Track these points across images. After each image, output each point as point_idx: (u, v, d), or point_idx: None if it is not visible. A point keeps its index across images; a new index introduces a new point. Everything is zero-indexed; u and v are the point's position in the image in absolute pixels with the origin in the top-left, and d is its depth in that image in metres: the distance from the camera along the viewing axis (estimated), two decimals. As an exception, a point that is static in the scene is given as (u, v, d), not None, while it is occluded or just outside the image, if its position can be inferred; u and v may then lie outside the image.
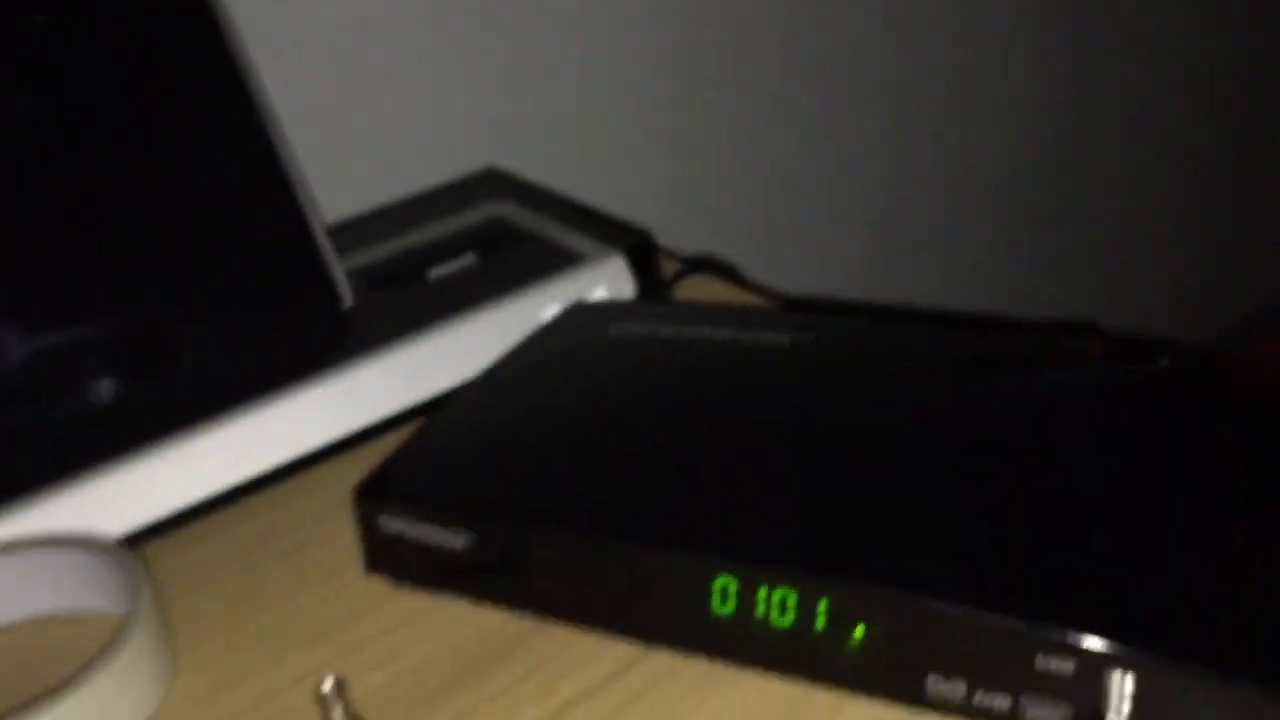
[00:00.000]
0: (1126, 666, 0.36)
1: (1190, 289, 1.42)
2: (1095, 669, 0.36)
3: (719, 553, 0.41)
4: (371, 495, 0.47)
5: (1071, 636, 0.36)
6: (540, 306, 0.62)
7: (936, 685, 0.39)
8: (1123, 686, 0.36)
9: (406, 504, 0.46)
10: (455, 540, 0.45)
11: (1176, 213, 1.35)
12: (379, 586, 0.49)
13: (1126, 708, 0.36)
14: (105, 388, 0.57)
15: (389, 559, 0.48)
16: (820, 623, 0.40)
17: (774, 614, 0.41)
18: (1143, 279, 1.35)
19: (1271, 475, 0.42)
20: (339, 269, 0.62)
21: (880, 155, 1.03)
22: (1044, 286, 1.23)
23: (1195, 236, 1.40)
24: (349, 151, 0.77)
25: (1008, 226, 1.17)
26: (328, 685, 0.41)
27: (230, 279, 0.61)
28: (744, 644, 0.42)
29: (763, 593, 0.41)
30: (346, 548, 0.50)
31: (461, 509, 0.45)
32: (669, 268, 0.67)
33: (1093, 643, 0.36)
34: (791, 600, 0.40)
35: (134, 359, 0.59)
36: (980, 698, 0.38)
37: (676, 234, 0.89)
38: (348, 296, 0.62)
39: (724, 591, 0.41)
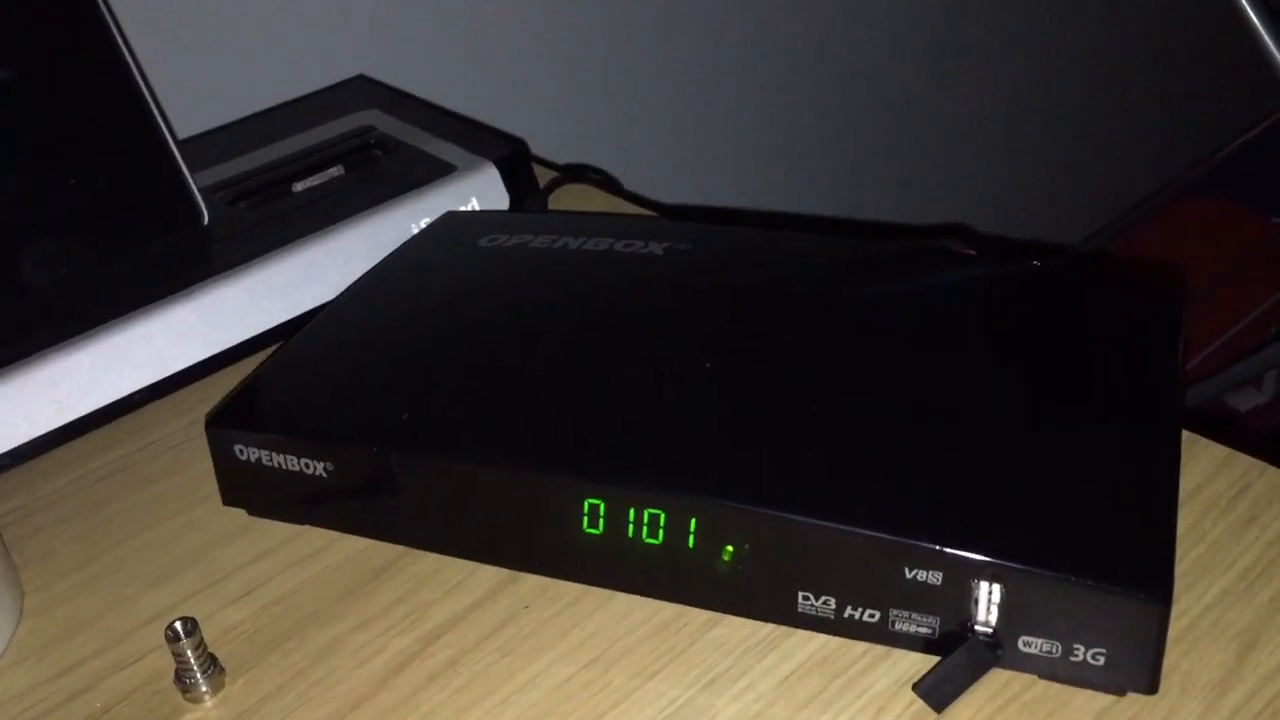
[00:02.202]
0: (994, 577, 0.36)
1: (1061, 195, 1.43)
2: (963, 580, 0.36)
3: (587, 474, 0.40)
4: (224, 423, 0.45)
5: (940, 549, 0.36)
6: (410, 219, 0.59)
7: (807, 602, 0.38)
8: (990, 596, 0.36)
9: (262, 432, 0.44)
10: (315, 469, 0.43)
11: (1046, 121, 1.36)
12: (238, 518, 0.47)
13: (994, 617, 0.36)
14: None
15: (246, 490, 0.46)
16: (690, 542, 0.39)
17: (644, 534, 0.40)
18: (1014, 186, 1.36)
19: (1135, 381, 0.42)
20: (195, 182, 0.59)
21: (754, 63, 1.01)
22: (918, 193, 1.23)
23: (1064, 144, 1.41)
24: (211, 61, 0.73)
25: (883, 133, 1.16)
26: (177, 625, 0.39)
27: (73, 193, 0.57)
28: (615, 566, 0.41)
29: (632, 513, 0.40)
30: (204, 478, 0.48)
31: (320, 436, 0.43)
32: (545, 178, 0.65)
33: (961, 554, 0.36)
34: (661, 520, 0.39)
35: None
36: (850, 612, 0.38)
37: (555, 146, 0.86)
38: (205, 212, 0.59)
39: (593, 512, 0.40)
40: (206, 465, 0.48)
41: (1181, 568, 0.40)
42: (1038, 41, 1.29)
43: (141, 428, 0.53)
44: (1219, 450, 0.45)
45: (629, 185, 0.69)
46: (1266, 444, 0.45)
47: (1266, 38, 0.92)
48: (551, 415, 0.42)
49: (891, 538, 0.36)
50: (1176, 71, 1.49)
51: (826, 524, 0.37)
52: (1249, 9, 0.92)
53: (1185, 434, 0.45)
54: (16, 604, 0.44)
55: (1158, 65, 1.46)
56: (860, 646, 0.39)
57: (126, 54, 0.57)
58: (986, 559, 0.35)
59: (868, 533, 0.36)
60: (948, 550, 0.36)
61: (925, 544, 0.36)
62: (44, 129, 0.56)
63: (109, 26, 0.57)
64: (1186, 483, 0.43)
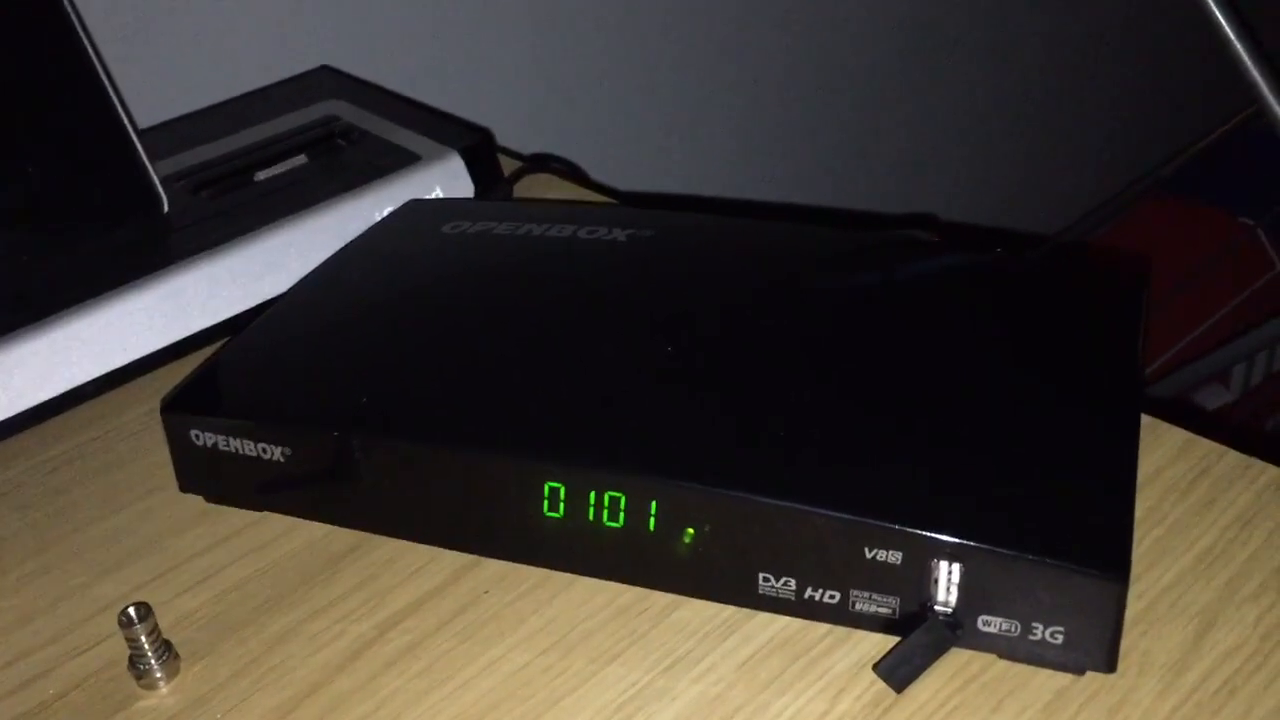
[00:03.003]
0: (953, 556, 0.35)
1: (1029, 193, 1.44)
2: (922, 560, 0.36)
3: (547, 456, 0.40)
4: (180, 408, 0.44)
5: (899, 528, 0.36)
6: (374, 208, 0.59)
7: (767, 584, 0.38)
8: (949, 576, 0.36)
9: (218, 416, 0.43)
10: (272, 454, 0.43)
11: (1014, 118, 1.36)
12: (195, 505, 0.46)
13: (954, 597, 0.36)
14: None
15: (203, 477, 0.45)
16: (651, 524, 0.39)
17: (605, 517, 0.39)
18: (982, 182, 1.36)
19: (1095, 365, 0.42)
20: (155, 171, 0.58)
21: (724, 53, 1.01)
22: (886, 184, 1.23)
23: (1033, 142, 1.41)
24: (174, 51, 0.72)
25: (852, 124, 1.17)
26: (130, 611, 0.38)
27: (31, 181, 0.56)
28: (576, 549, 0.41)
29: (592, 496, 0.39)
30: (162, 466, 0.47)
31: (277, 420, 0.43)
32: (510, 169, 0.65)
33: (921, 533, 0.36)
34: (622, 503, 0.39)
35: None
36: (811, 594, 0.38)
37: (521, 137, 0.86)
38: (165, 200, 0.58)
39: (554, 496, 0.40)
40: (164, 454, 0.47)
41: (1141, 549, 0.40)
42: (1009, 38, 1.29)
43: (99, 416, 0.52)
44: (1179, 434, 0.45)
45: (595, 175, 0.69)
46: (1233, 436, 0.45)
47: (1234, 39, 0.93)
48: (512, 399, 0.42)
49: (851, 517, 0.36)
50: (1146, 71, 1.50)
51: (786, 504, 0.37)
52: (1216, 12, 0.92)
53: (1147, 419, 0.45)
54: (-32, 592, 0.43)
55: (1127, 65, 1.47)
56: (821, 628, 0.39)
57: (86, 42, 0.56)
58: (946, 538, 0.35)
59: (827, 513, 0.36)
60: (907, 530, 0.36)
61: (885, 524, 0.36)
62: (1, 117, 0.56)
63: (68, 15, 0.56)
64: (1147, 466, 0.44)
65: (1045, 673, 0.37)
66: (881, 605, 0.37)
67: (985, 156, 1.35)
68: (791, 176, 1.13)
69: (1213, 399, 1.31)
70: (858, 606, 0.37)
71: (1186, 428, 0.45)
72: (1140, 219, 1.42)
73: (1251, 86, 0.94)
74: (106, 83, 0.57)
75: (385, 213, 0.58)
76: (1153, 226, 1.39)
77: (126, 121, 0.57)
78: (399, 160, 0.61)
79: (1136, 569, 0.39)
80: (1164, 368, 1.27)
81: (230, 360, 0.47)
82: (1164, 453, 0.44)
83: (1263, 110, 0.95)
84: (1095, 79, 1.44)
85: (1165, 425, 0.45)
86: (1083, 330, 0.44)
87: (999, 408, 0.40)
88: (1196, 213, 1.41)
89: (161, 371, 0.54)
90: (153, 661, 0.39)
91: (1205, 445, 0.45)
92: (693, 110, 1.01)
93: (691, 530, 0.38)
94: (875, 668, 0.37)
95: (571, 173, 0.66)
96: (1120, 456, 0.38)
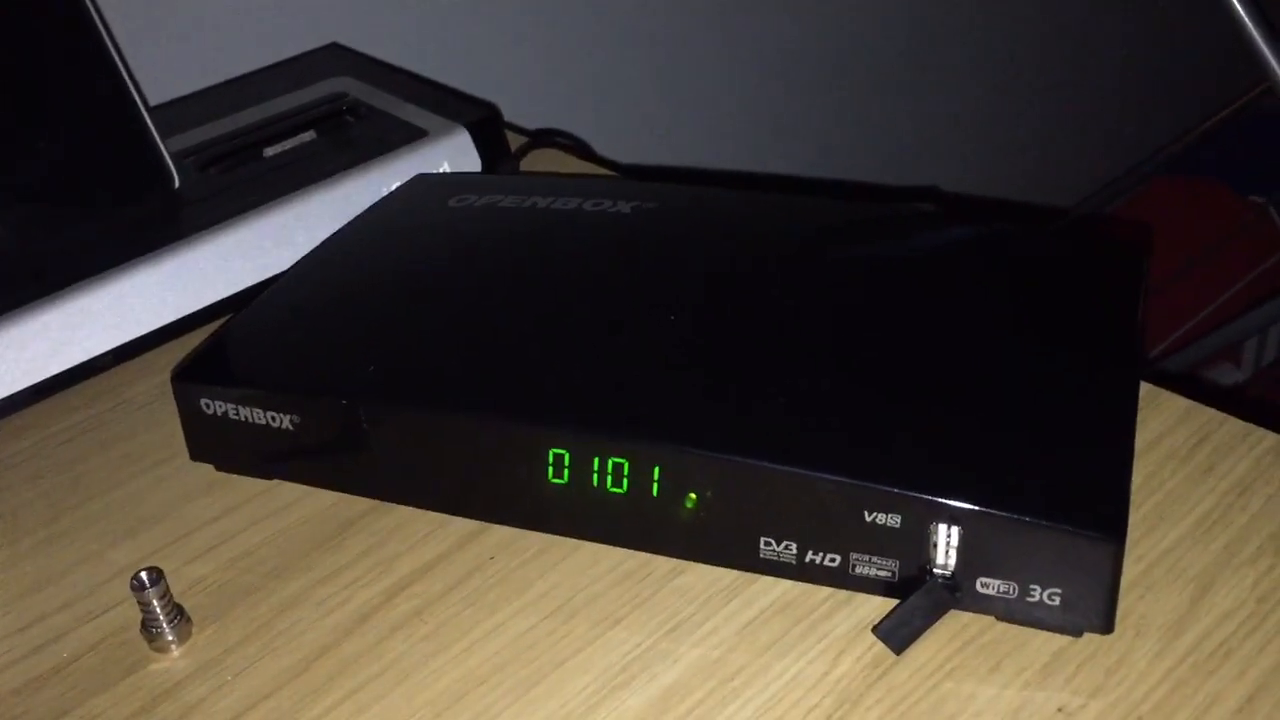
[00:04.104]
0: (953, 519, 0.36)
1: (1038, 172, 1.43)
2: (921, 523, 0.36)
3: (551, 423, 0.40)
4: (191, 377, 0.45)
5: (899, 491, 0.36)
6: (381, 183, 0.59)
7: (769, 548, 0.39)
8: (948, 538, 0.36)
9: (229, 385, 0.44)
10: (281, 422, 0.43)
11: (1025, 95, 1.36)
12: (205, 474, 0.47)
13: (952, 560, 0.37)
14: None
15: (213, 445, 0.46)
16: (654, 490, 0.39)
17: (609, 483, 0.40)
18: (990, 162, 1.36)
19: (1095, 331, 0.42)
20: (166, 147, 0.59)
21: (729, 27, 1.01)
22: (893, 158, 1.23)
23: (1043, 120, 1.41)
24: (184, 28, 0.72)
25: (859, 98, 1.16)
26: (143, 575, 0.39)
27: (47, 158, 0.57)
28: (580, 515, 0.41)
29: (596, 462, 0.40)
30: (173, 436, 0.48)
31: (286, 388, 0.43)
32: (516, 144, 0.65)
33: (920, 496, 0.36)
34: (625, 469, 0.40)
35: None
36: (811, 557, 0.38)
37: (526, 112, 0.86)
38: (176, 176, 0.59)
39: (558, 462, 0.40)
40: (175, 425, 0.48)
41: (1140, 514, 0.41)
42: (1018, 13, 1.29)
43: (110, 388, 0.53)
44: (1180, 402, 0.45)
45: (600, 151, 0.69)
46: (1241, 408, 0.45)
47: (1244, 16, 0.93)
48: (517, 367, 0.43)
49: (851, 481, 0.37)
50: (1156, 48, 1.49)
51: (787, 469, 0.37)
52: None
53: (1149, 387, 0.46)
54: (-17, 559, 0.44)
55: (1137, 41, 1.47)
56: (822, 592, 0.39)
57: (98, 19, 0.57)
58: (945, 501, 0.36)
59: (828, 477, 0.37)
60: (906, 493, 0.36)
61: (884, 488, 0.36)
62: (14, 93, 0.56)
63: (80, -7, 0.56)
64: (1147, 433, 0.44)
65: (1043, 634, 0.37)
66: (881, 568, 0.38)
67: (992, 133, 1.35)
68: (796, 151, 1.13)
69: (1224, 377, 1.30)
70: (858, 570, 0.38)
71: (1192, 398, 0.46)
72: (1150, 197, 1.41)
73: (1262, 64, 0.94)
74: (118, 59, 0.57)
75: (394, 187, 0.59)
76: (1162, 204, 1.39)
77: (138, 98, 0.58)
78: (407, 136, 0.62)
79: (1134, 534, 0.39)
80: (1174, 346, 1.27)
81: (240, 330, 0.48)
82: (1164, 420, 0.45)
83: (1273, 88, 0.95)
84: (1105, 56, 1.43)
85: (1167, 393, 0.46)
86: (1083, 297, 0.44)
87: (998, 373, 0.40)
88: (1206, 190, 1.41)
89: (171, 345, 0.54)
90: (164, 625, 0.40)
91: (1206, 413, 0.45)
92: (697, 85, 1.02)
93: (694, 495, 0.39)
94: (875, 630, 0.37)
95: (577, 147, 0.66)
96: (1118, 420, 0.38)
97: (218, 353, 0.46)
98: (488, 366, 0.43)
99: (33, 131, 0.57)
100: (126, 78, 0.57)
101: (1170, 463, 0.43)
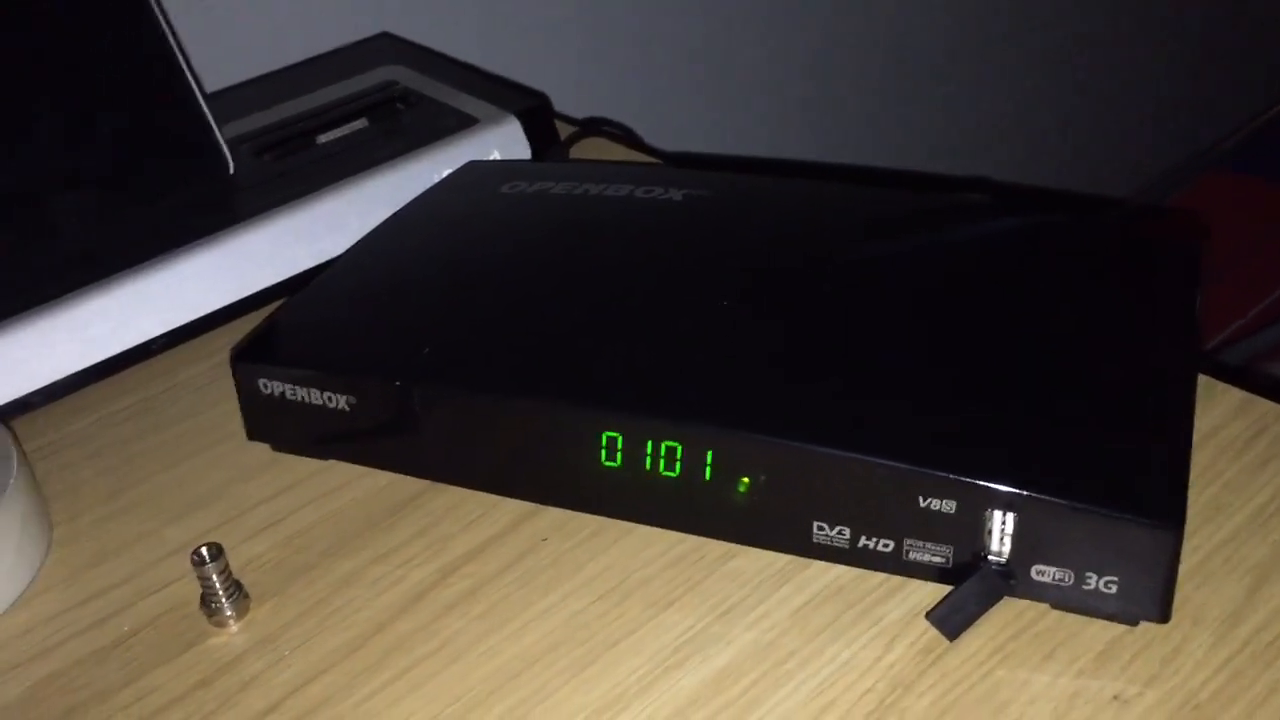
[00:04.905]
0: (1009, 506, 0.36)
1: (1086, 168, 1.42)
2: (976, 508, 0.36)
3: (604, 407, 0.41)
4: (250, 358, 0.45)
5: (954, 477, 0.36)
6: (433, 170, 0.59)
7: (822, 533, 0.39)
8: (1003, 524, 0.36)
9: (287, 367, 0.45)
10: (337, 403, 0.44)
11: (1073, 90, 1.35)
12: (261, 454, 0.47)
13: (1007, 547, 0.36)
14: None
15: (270, 425, 0.46)
16: (707, 474, 0.39)
17: (661, 467, 0.40)
18: (1036, 156, 1.35)
19: (1153, 319, 0.42)
20: (222, 134, 0.60)
21: (772, 15, 1.01)
22: (938, 149, 1.23)
23: (1091, 116, 1.40)
24: (239, 18, 0.73)
25: (905, 88, 1.16)
26: (203, 551, 0.40)
27: (108, 144, 0.58)
28: (633, 498, 0.41)
29: (649, 446, 0.40)
30: (229, 416, 0.49)
31: (343, 369, 0.44)
32: (564, 133, 0.65)
33: (975, 482, 0.36)
34: (678, 452, 0.40)
35: (9, 226, 0.56)
36: (865, 542, 0.38)
37: (573, 101, 0.86)
38: (231, 162, 0.60)
39: (611, 446, 0.41)
40: (230, 406, 0.48)
41: (1197, 505, 0.40)
42: (1068, 8, 1.28)
43: (167, 370, 0.53)
44: (1237, 394, 0.45)
45: (648, 139, 0.69)
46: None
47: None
48: (570, 351, 0.43)
49: (905, 466, 0.37)
50: (1209, 44, 1.48)
51: (841, 453, 0.37)
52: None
53: (1205, 379, 0.45)
54: (45, 535, 0.45)
55: (1190, 37, 1.45)
56: (876, 577, 0.39)
57: (157, 10, 0.58)
58: (1000, 487, 0.36)
59: (881, 461, 0.37)
60: (961, 479, 0.36)
61: (939, 473, 0.36)
62: (78, 82, 0.57)
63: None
64: (1204, 424, 0.44)
65: (1098, 623, 0.37)
66: (935, 554, 0.38)
67: (1042, 126, 1.34)
68: (842, 141, 1.13)
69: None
70: (911, 555, 0.38)
71: (1248, 390, 0.45)
72: (1200, 192, 1.40)
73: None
74: (176, 47, 0.58)
75: (445, 175, 0.59)
76: (1213, 200, 1.37)
77: (195, 86, 0.58)
78: (458, 124, 0.62)
79: (1191, 524, 0.39)
80: (1229, 339, 1.25)
81: (297, 313, 0.48)
82: (1221, 412, 0.44)
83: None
84: (1157, 51, 1.42)
85: (1223, 385, 0.45)
86: (1140, 286, 0.44)
87: (1055, 360, 0.40)
88: (1257, 187, 1.39)
89: (224, 328, 0.55)
90: (224, 600, 0.40)
91: (1263, 405, 0.44)
92: (743, 75, 1.02)
93: (747, 479, 0.39)
94: (928, 616, 0.37)
95: (625, 136, 0.66)
96: (1176, 409, 0.38)
97: (276, 334, 0.47)
98: (541, 350, 0.43)
99: (92, 118, 0.58)
100: (184, 65, 0.58)
101: (1227, 454, 0.42)
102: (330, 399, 0.44)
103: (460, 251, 0.51)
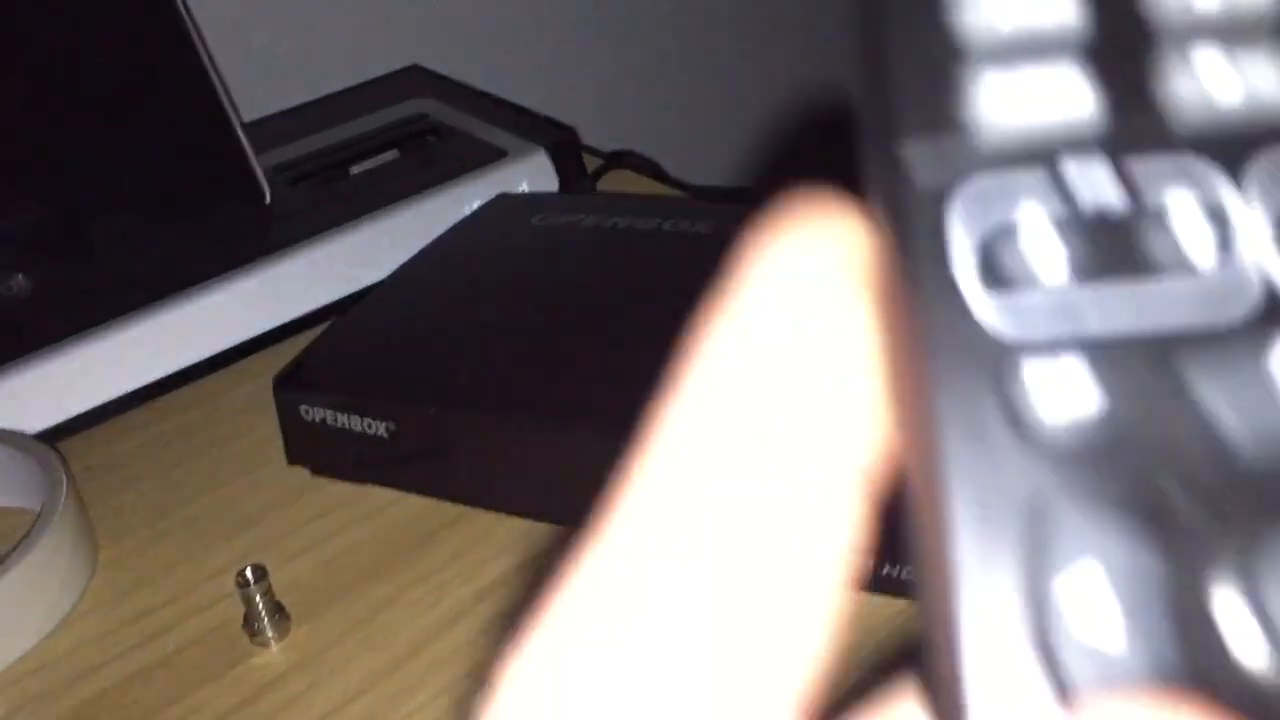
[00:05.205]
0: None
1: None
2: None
3: (635, 435, 0.42)
4: (291, 385, 0.47)
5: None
6: (463, 201, 0.61)
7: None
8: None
9: (327, 393, 0.46)
10: (376, 429, 0.45)
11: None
12: (300, 478, 0.49)
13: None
14: (21, 282, 0.56)
15: (310, 450, 0.48)
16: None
17: (692, 494, 0.41)
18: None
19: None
20: (258, 163, 0.61)
21: (802, 51, 1.03)
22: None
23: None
24: (275, 50, 0.75)
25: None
26: (247, 572, 0.41)
27: (147, 172, 0.59)
28: (663, 525, 0.42)
29: (681, 474, 0.41)
30: (268, 441, 0.50)
31: (382, 397, 0.45)
32: (592, 166, 0.67)
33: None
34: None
35: (51, 253, 0.58)
36: (891, 570, 0.39)
37: (600, 135, 0.88)
38: (267, 191, 0.61)
39: (643, 474, 0.42)
40: (269, 430, 0.50)
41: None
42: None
43: (207, 395, 0.55)
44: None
45: (673, 172, 0.70)
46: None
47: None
48: (606, 379, 0.44)
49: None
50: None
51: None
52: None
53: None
54: (93, 556, 0.46)
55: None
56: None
57: (197, 41, 0.59)
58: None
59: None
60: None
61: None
62: (116, 108, 0.59)
63: (182, 16, 0.59)
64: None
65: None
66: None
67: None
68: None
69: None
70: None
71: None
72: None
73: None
74: (215, 77, 0.60)
75: (474, 206, 0.61)
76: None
77: (233, 116, 0.60)
78: (487, 156, 0.64)
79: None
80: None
81: (337, 340, 0.50)
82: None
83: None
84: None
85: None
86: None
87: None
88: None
89: (260, 353, 0.56)
90: (265, 621, 0.41)
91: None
92: (770, 108, 1.03)
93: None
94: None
95: (650, 168, 0.68)
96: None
97: (317, 361, 0.48)
98: (574, 378, 0.45)
99: (133, 146, 0.59)
100: (223, 94, 0.60)
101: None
102: (370, 425, 0.45)
103: (494, 282, 0.52)
